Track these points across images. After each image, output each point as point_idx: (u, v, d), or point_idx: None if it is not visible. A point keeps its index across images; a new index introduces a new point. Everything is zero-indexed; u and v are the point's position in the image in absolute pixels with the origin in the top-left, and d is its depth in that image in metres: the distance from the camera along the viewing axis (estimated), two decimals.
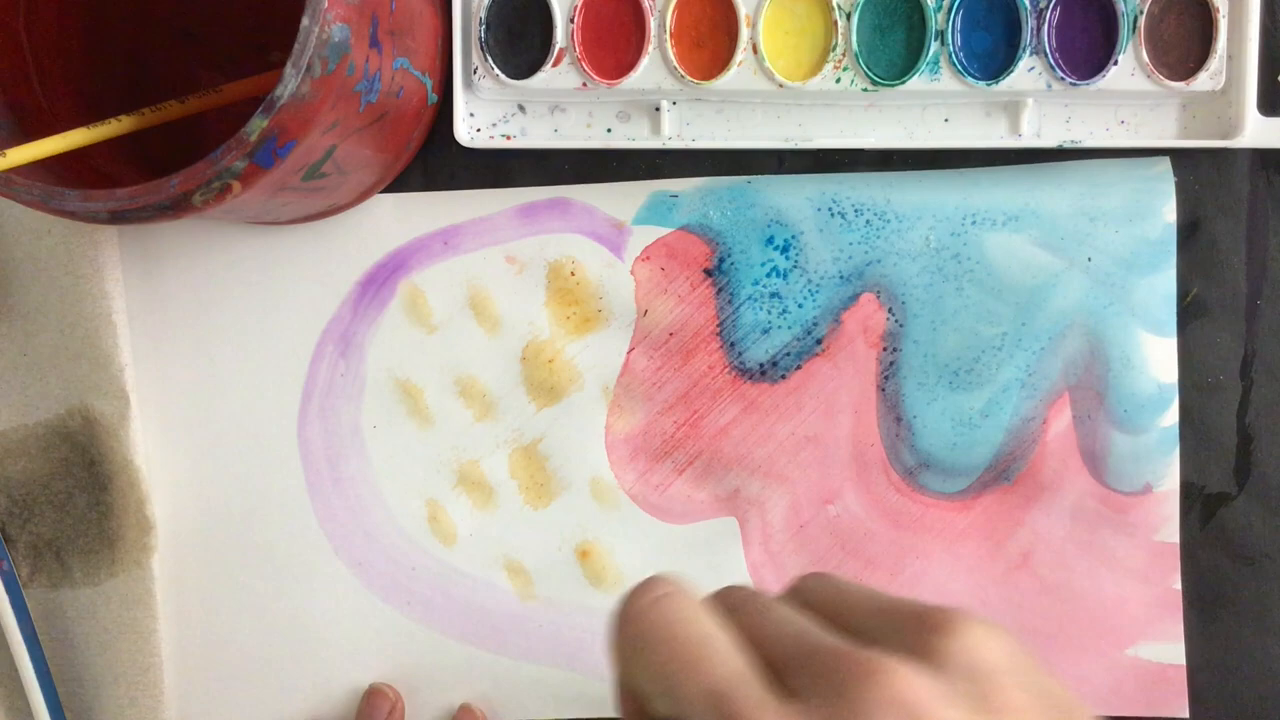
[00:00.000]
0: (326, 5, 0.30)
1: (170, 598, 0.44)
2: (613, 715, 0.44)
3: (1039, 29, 0.40)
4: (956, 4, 0.40)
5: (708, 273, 0.43)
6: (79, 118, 0.35)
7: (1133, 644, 0.43)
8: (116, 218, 0.32)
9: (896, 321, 0.43)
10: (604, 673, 0.44)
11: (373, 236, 0.43)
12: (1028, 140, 0.41)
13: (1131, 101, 0.41)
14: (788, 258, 0.43)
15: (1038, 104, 0.41)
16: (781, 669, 0.23)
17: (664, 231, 0.43)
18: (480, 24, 0.41)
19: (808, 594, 0.25)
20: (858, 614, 0.24)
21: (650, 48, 0.41)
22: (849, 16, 0.40)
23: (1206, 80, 0.40)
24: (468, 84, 0.42)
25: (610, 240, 0.43)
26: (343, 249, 0.43)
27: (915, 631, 0.22)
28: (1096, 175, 0.42)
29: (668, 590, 0.24)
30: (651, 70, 0.41)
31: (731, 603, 0.25)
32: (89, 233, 0.42)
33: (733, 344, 0.43)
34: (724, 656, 0.23)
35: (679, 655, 0.23)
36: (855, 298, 0.43)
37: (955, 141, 0.42)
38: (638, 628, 0.24)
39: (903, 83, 0.41)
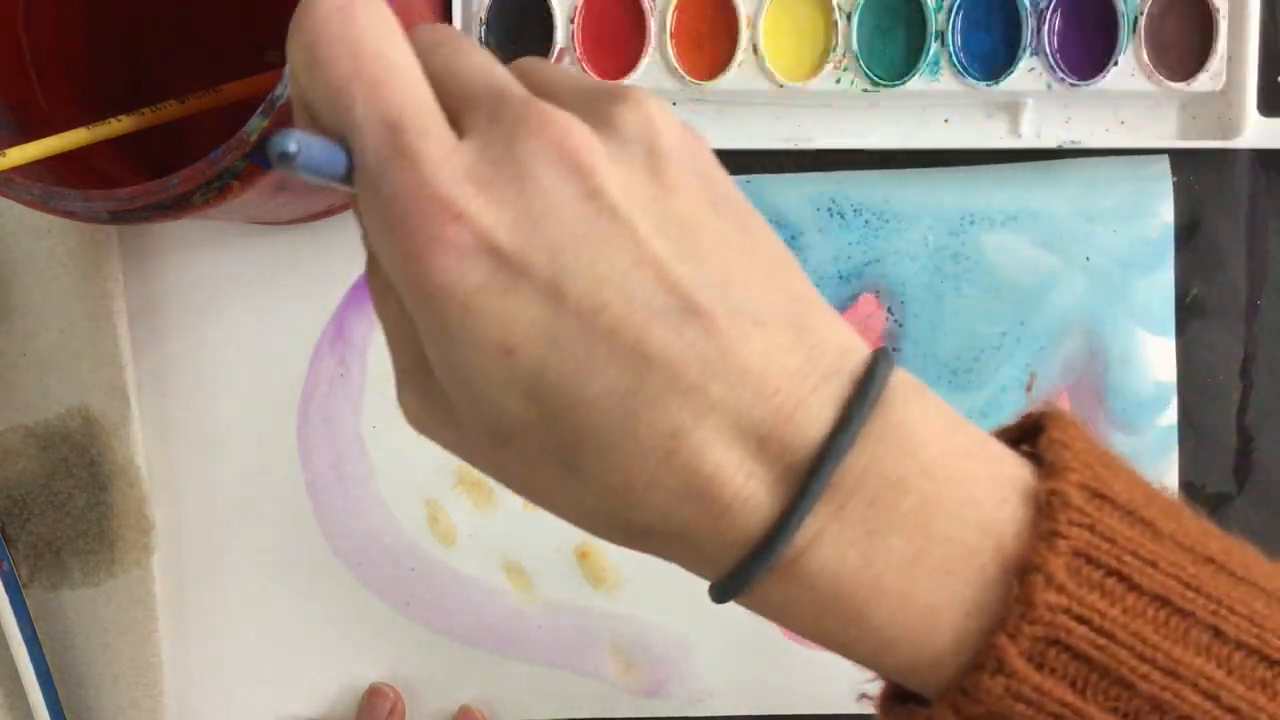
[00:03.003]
0: None
1: (170, 598, 0.44)
2: (612, 716, 0.44)
3: (1039, 29, 0.40)
4: (957, 4, 0.40)
5: None
6: (79, 118, 0.35)
7: None
8: (116, 218, 0.32)
9: (896, 321, 0.43)
10: (604, 673, 0.44)
11: None
12: (1027, 140, 0.41)
13: (1131, 102, 0.41)
14: None
15: (1037, 104, 0.41)
16: (462, 110, 0.22)
17: None
18: (480, 24, 0.41)
19: (519, 65, 0.24)
20: (559, 88, 0.23)
21: (650, 48, 0.41)
22: (849, 17, 0.40)
23: (1206, 81, 0.40)
24: None
25: None
26: (343, 249, 0.43)
27: (601, 102, 0.22)
28: (1095, 175, 0.42)
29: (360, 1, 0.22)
30: (652, 71, 0.41)
31: (432, 38, 0.23)
32: (89, 233, 0.42)
33: None
34: (408, 84, 0.21)
35: (360, 74, 0.21)
36: (855, 298, 0.43)
37: (955, 142, 0.42)
38: (318, 35, 0.21)
39: (903, 83, 0.41)
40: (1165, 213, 0.42)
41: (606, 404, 0.21)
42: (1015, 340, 0.42)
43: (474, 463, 0.23)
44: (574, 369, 0.20)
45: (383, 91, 0.21)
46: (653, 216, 0.21)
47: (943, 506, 0.21)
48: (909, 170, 0.42)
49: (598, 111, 0.22)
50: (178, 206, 0.32)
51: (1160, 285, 0.42)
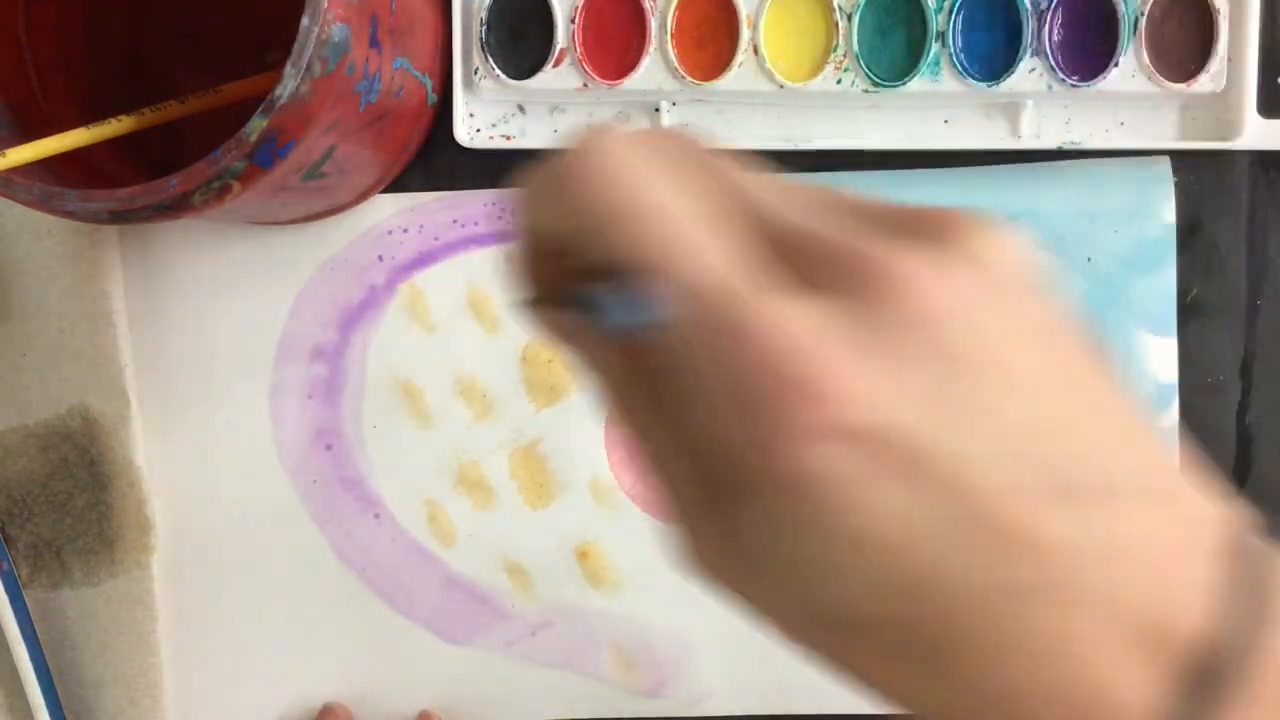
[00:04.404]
0: (326, 5, 0.30)
1: (170, 598, 0.44)
2: (612, 716, 0.44)
3: (1040, 30, 0.40)
4: (957, 5, 0.40)
5: None
6: (79, 118, 0.35)
7: None
8: (116, 218, 0.32)
9: None
10: (604, 673, 0.44)
11: (373, 236, 0.43)
12: (1027, 142, 0.41)
13: (1131, 103, 0.41)
14: None
15: (1037, 105, 0.41)
16: (797, 252, 0.18)
17: None
18: (481, 24, 0.41)
19: (832, 196, 0.20)
20: (892, 218, 0.19)
21: (651, 48, 0.41)
22: (850, 17, 0.40)
23: (1207, 82, 0.40)
24: (468, 84, 0.42)
25: None
26: (342, 249, 0.43)
27: (945, 236, 0.18)
28: (1096, 175, 0.42)
29: (637, 148, 0.18)
30: (652, 71, 0.41)
31: (697, 163, 0.20)
32: (89, 233, 0.42)
33: None
34: (716, 242, 0.18)
35: (652, 238, 0.18)
36: None
37: (955, 143, 0.42)
38: (589, 198, 0.18)
39: (903, 84, 0.41)
40: (1166, 213, 0.42)
41: (980, 601, 0.18)
42: None
43: (779, 627, 0.20)
44: (946, 562, 0.18)
45: (687, 256, 0.18)
46: (1021, 380, 0.18)
47: None
48: (910, 171, 0.42)
49: (949, 249, 0.18)
50: (178, 206, 0.32)
51: (1161, 285, 0.42)
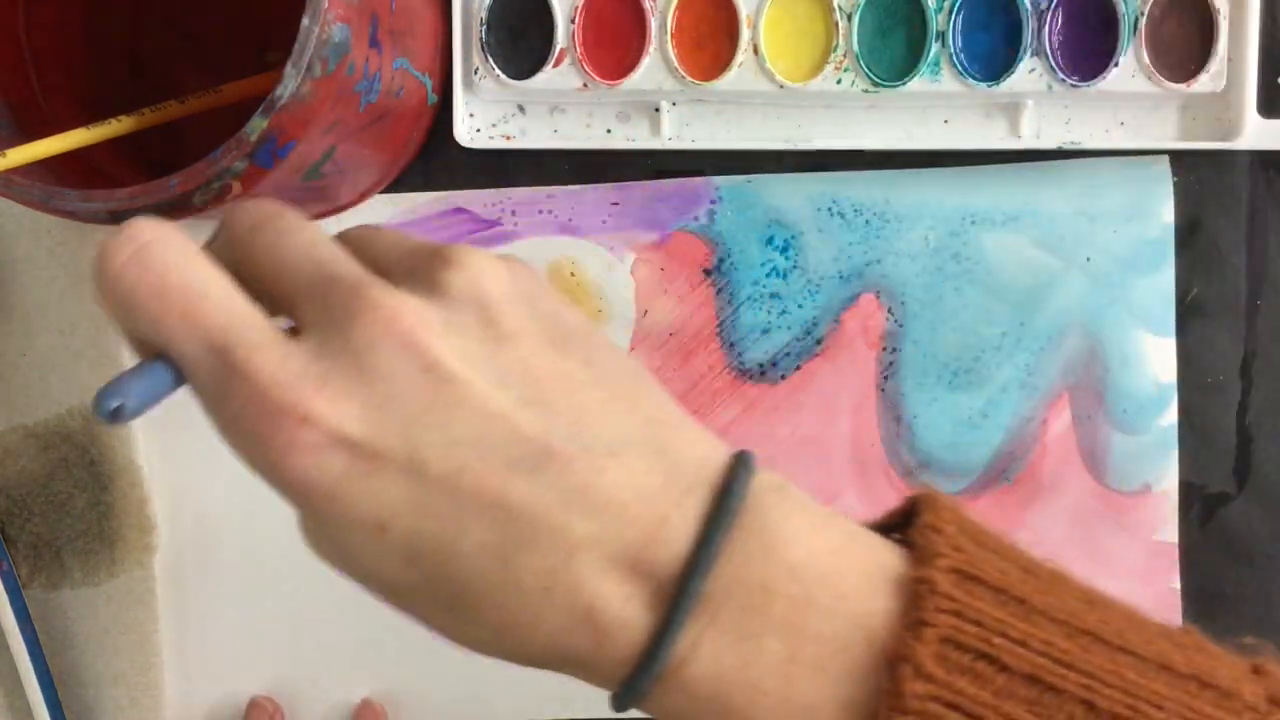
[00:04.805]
0: (327, 5, 0.30)
1: (171, 598, 0.44)
2: (613, 716, 0.44)
3: (1040, 30, 0.40)
4: (957, 5, 0.40)
5: (707, 273, 0.43)
6: (79, 118, 0.35)
7: None
8: (116, 218, 0.32)
9: (896, 321, 0.43)
10: None
11: None
12: (1027, 142, 0.41)
13: (1131, 103, 0.41)
14: (787, 258, 0.43)
15: (1037, 105, 0.41)
16: (294, 301, 0.23)
17: (664, 232, 0.43)
18: (481, 24, 0.41)
19: (348, 236, 0.25)
20: (387, 256, 0.24)
21: (651, 48, 0.41)
22: (850, 17, 0.40)
23: (1207, 82, 0.40)
24: (468, 84, 0.42)
25: (609, 240, 0.43)
26: None
27: (428, 268, 0.23)
28: (1095, 175, 0.42)
29: (148, 238, 0.22)
30: (652, 71, 0.41)
31: (249, 223, 0.24)
32: (89, 233, 0.42)
33: (732, 344, 0.43)
34: (220, 304, 0.22)
35: (170, 311, 0.22)
36: (855, 298, 0.43)
37: (954, 143, 0.42)
38: (119, 288, 0.22)
39: (904, 84, 0.41)
40: (1165, 213, 0.42)
41: (480, 557, 0.22)
42: (1015, 340, 0.42)
43: (369, 593, 0.24)
44: (445, 531, 0.22)
45: (196, 319, 0.22)
46: (492, 372, 0.22)
47: (813, 605, 0.22)
48: (910, 170, 0.42)
49: (425, 278, 0.23)
50: (178, 206, 0.32)
51: (1160, 285, 0.42)
